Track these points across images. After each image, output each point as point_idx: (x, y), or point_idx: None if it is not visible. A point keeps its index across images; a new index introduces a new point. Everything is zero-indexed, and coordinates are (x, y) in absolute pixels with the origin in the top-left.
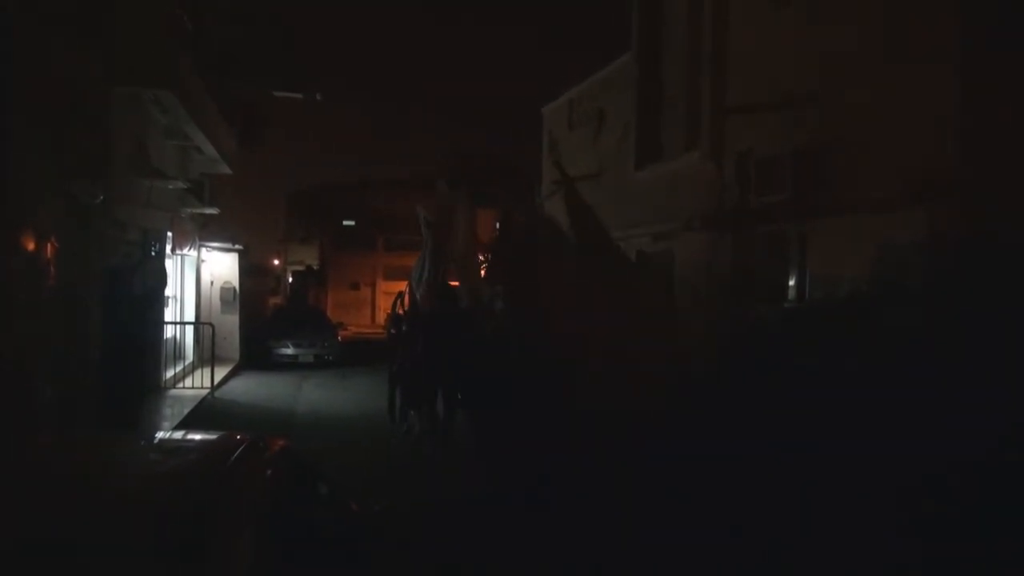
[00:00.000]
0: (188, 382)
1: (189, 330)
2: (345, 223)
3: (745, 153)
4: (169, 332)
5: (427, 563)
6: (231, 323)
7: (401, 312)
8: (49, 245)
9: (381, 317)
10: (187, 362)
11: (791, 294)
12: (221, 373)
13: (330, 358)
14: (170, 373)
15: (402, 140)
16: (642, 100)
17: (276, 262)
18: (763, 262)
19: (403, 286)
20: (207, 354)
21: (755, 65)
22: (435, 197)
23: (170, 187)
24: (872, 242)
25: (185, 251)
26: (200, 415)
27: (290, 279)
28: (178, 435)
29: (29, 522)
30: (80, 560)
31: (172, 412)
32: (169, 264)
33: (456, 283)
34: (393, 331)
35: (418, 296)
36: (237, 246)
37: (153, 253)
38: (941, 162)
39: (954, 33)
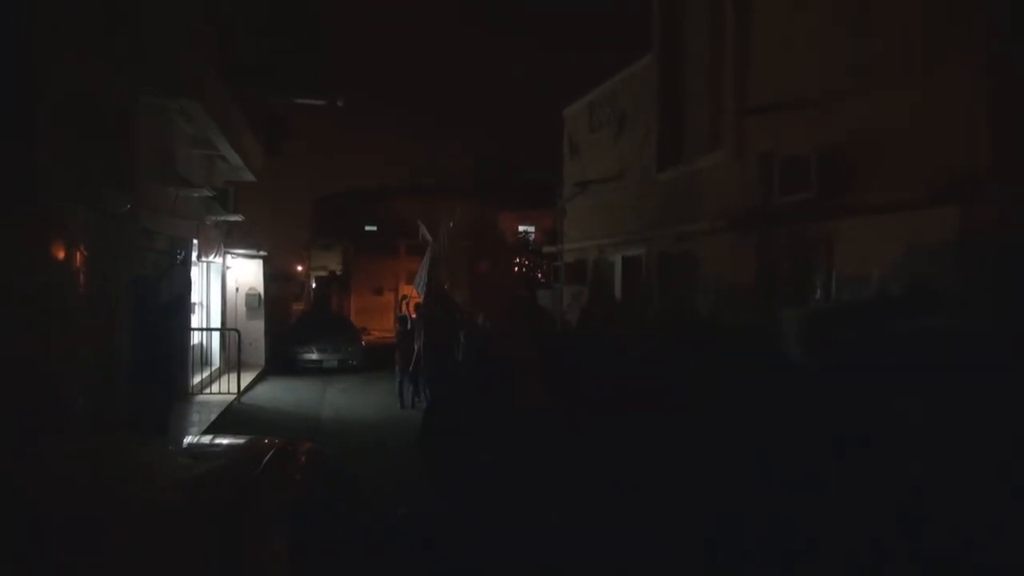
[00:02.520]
0: (215, 388)
1: (215, 336)
2: (367, 228)
3: (769, 153)
4: (196, 338)
5: (450, 567)
6: (256, 329)
7: (406, 313)
8: (78, 254)
9: None
10: (213, 368)
11: (817, 295)
12: (247, 379)
13: (354, 363)
14: (197, 379)
15: (424, 145)
16: (663, 101)
17: (300, 268)
18: (788, 263)
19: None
20: (233, 360)
21: (778, 64)
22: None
23: (196, 195)
24: (900, 242)
25: (211, 258)
26: (227, 420)
27: (314, 285)
28: (207, 439)
29: (61, 528)
30: (115, 566)
31: (200, 418)
32: (195, 271)
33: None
34: (400, 329)
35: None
36: (262, 253)
37: (179, 260)
38: (972, 160)
39: (984, 29)
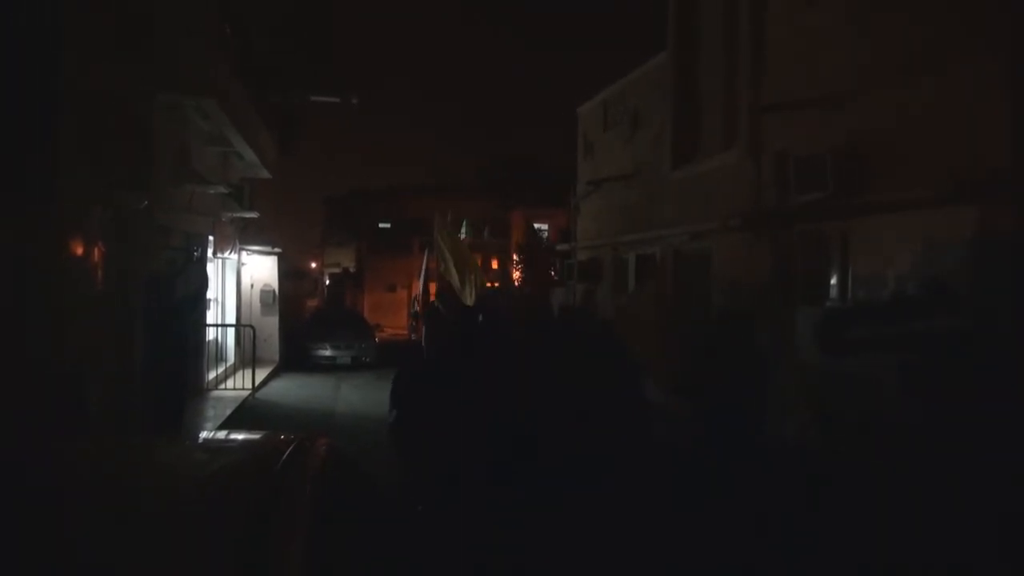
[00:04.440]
0: (229, 383)
1: (230, 332)
2: (381, 226)
3: (783, 152)
4: (211, 334)
5: (467, 561)
6: (271, 325)
7: (418, 309)
8: (96, 251)
9: None
10: (228, 364)
11: (833, 294)
12: (262, 374)
13: (367, 359)
14: (212, 375)
15: (436, 143)
16: (678, 99)
17: (314, 265)
18: (803, 262)
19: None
20: (248, 356)
21: (793, 63)
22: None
23: (211, 192)
24: (918, 241)
25: (226, 255)
26: (242, 415)
27: (327, 282)
28: (222, 435)
29: (82, 527)
30: (130, 564)
31: (215, 413)
32: (211, 268)
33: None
34: (413, 323)
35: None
36: (276, 249)
37: (195, 257)
38: (988, 159)
39: (1002, 28)
